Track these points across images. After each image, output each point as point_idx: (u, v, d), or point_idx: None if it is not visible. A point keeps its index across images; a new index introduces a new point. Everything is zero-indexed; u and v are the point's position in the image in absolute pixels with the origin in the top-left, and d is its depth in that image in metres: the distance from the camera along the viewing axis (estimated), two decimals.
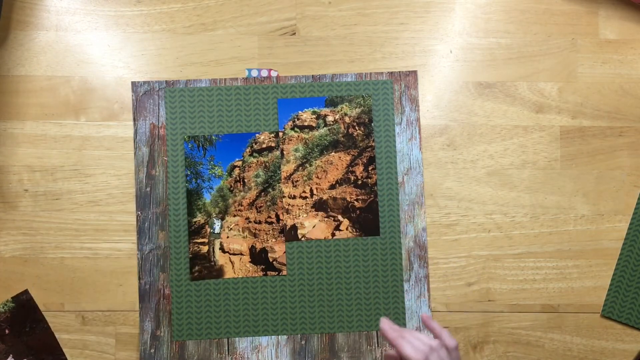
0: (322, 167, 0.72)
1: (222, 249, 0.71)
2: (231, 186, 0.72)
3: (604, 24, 0.75)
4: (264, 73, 0.73)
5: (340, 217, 0.72)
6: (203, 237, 0.71)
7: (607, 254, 0.72)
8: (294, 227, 0.71)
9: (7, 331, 0.68)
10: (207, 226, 0.71)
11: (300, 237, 0.71)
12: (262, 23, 0.74)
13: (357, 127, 0.72)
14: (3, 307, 0.68)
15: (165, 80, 0.72)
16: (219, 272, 0.71)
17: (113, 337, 0.70)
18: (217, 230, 0.71)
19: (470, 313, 0.72)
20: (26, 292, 0.69)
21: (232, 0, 0.74)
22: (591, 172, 0.73)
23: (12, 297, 0.69)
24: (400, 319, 0.71)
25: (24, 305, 0.69)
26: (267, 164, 0.72)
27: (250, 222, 0.71)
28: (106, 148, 0.72)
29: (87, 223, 0.71)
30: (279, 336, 0.70)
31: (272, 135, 0.72)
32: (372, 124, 0.72)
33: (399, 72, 0.73)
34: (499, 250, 0.72)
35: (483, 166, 0.73)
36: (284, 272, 0.71)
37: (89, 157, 0.72)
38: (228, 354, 0.70)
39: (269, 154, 0.72)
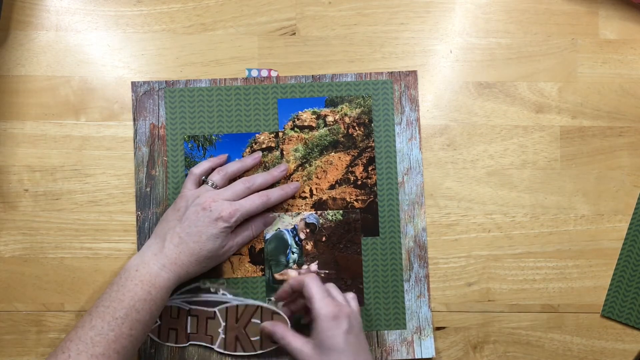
0: (321, 168, 0.72)
1: None
2: None
3: (604, 24, 0.75)
4: (264, 73, 0.73)
5: None
6: None
7: (607, 254, 0.72)
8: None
9: (323, 239, 0.70)
10: None
11: None
12: (262, 23, 0.74)
13: (357, 128, 0.72)
14: (332, 217, 0.70)
15: (165, 80, 0.72)
16: (218, 272, 0.71)
17: None
18: None
19: (470, 313, 0.72)
20: (356, 211, 0.70)
21: (232, 0, 0.74)
22: (591, 172, 0.73)
23: (343, 211, 0.70)
24: (400, 319, 0.71)
25: (350, 223, 0.70)
26: (266, 164, 0.72)
27: None
28: (106, 148, 0.72)
29: (87, 223, 0.71)
30: None
31: (272, 135, 0.72)
32: (372, 124, 0.72)
33: (399, 72, 0.73)
34: (499, 250, 0.72)
35: (483, 166, 0.73)
36: None
37: (89, 157, 0.72)
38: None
39: (269, 154, 0.72)
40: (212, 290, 0.69)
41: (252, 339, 0.68)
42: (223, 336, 0.69)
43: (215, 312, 0.69)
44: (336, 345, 0.59)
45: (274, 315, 0.68)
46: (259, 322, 0.68)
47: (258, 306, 0.68)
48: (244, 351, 0.68)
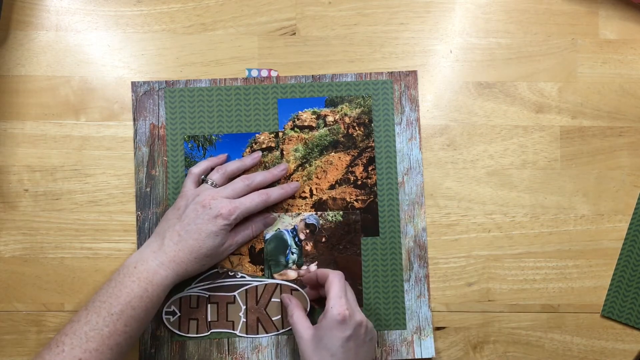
0: (321, 168, 0.72)
1: None
2: None
3: (604, 24, 0.75)
4: (264, 73, 0.73)
5: None
6: None
7: (607, 254, 0.72)
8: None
9: (323, 240, 0.70)
10: None
11: None
12: (262, 23, 0.74)
13: (357, 128, 0.72)
14: (332, 218, 0.70)
15: (165, 80, 0.72)
16: None
17: None
18: None
19: (470, 313, 0.72)
20: (357, 213, 0.70)
21: (232, 0, 0.74)
22: (591, 172, 0.73)
23: (343, 212, 0.70)
24: (400, 319, 0.71)
25: (350, 224, 0.70)
26: (266, 164, 0.72)
27: None
28: (106, 148, 0.72)
29: (87, 223, 0.71)
30: (279, 336, 0.70)
31: (272, 135, 0.72)
32: (372, 124, 0.72)
33: (399, 72, 0.73)
34: (499, 250, 0.72)
35: (483, 166, 0.73)
36: None
37: (89, 157, 0.72)
38: (228, 354, 0.70)
39: (269, 154, 0.72)
40: (230, 273, 0.69)
41: (274, 318, 0.69)
42: (244, 320, 0.69)
43: (234, 296, 0.69)
44: (330, 346, 0.59)
45: (294, 292, 0.68)
46: (279, 301, 0.69)
47: (277, 284, 0.69)
48: (266, 332, 0.68)
